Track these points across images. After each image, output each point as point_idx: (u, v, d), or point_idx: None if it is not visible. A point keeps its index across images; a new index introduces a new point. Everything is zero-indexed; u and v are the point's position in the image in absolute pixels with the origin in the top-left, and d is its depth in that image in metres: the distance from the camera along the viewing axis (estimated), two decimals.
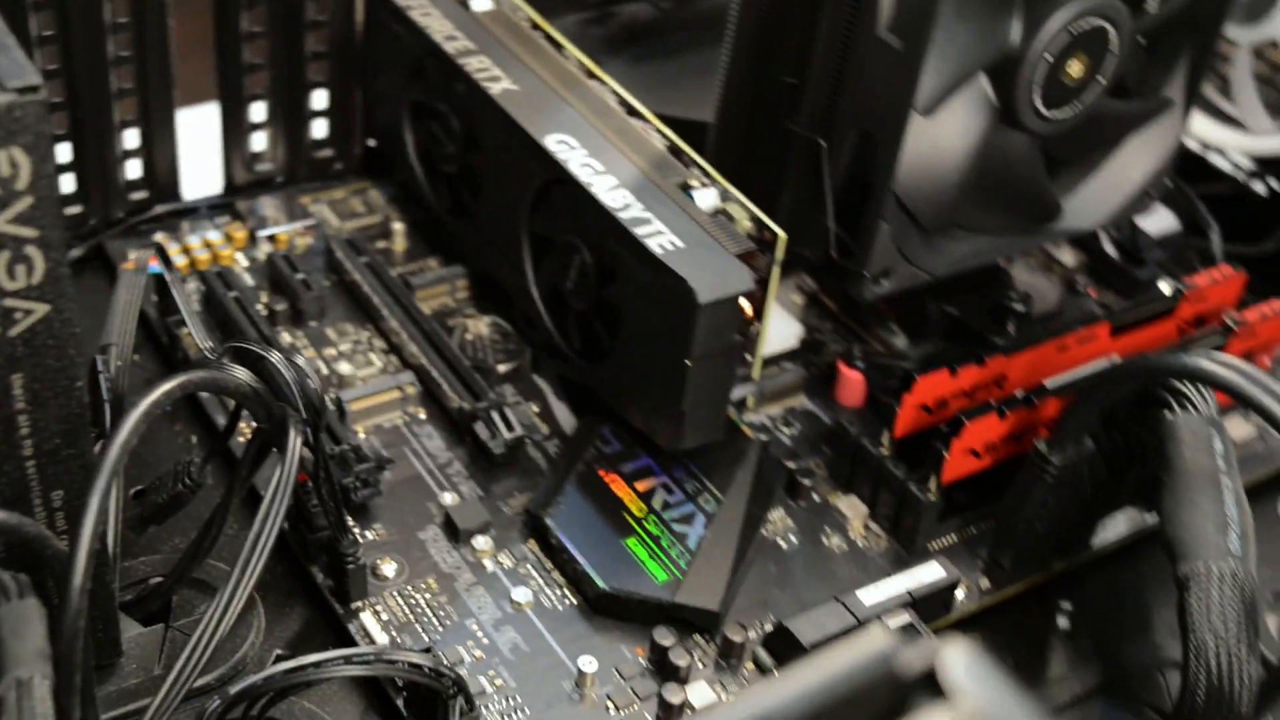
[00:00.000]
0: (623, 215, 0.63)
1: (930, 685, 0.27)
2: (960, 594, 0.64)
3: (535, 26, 0.75)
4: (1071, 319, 0.76)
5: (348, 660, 0.54)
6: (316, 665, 0.53)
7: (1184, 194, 0.85)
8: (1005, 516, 0.64)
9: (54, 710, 0.46)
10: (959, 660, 0.27)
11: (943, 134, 0.66)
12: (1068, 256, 0.83)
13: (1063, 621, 0.65)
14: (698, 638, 0.61)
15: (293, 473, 0.53)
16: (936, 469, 0.64)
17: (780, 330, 0.74)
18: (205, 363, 0.54)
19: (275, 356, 0.55)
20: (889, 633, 0.27)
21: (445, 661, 0.55)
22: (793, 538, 0.66)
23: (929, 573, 0.62)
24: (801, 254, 0.69)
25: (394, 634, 0.59)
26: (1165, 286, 0.79)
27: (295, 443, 0.54)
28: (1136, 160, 0.75)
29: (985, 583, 0.65)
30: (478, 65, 0.71)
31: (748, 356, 0.66)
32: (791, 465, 0.68)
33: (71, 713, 0.47)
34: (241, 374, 0.54)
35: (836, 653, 0.27)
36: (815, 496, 0.68)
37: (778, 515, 0.67)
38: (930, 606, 0.62)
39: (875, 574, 0.64)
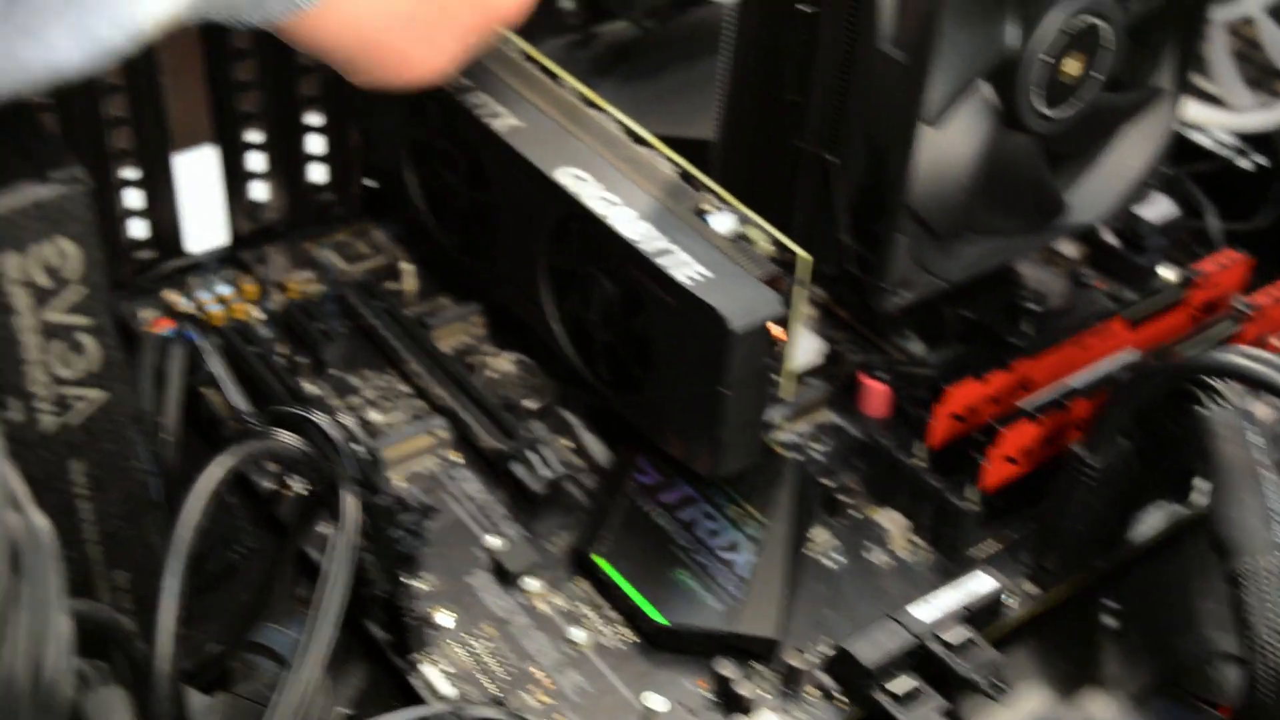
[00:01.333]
0: (645, 247, 0.63)
1: None
2: (1010, 601, 0.64)
3: (528, 58, 0.75)
4: (1083, 313, 0.77)
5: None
6: None
7: (1177, 177, 0.86)
8: (1047, 521, 0.65)
9: None
10: None
11: (950, 141, 0.66)
12: (1070, 249, 0.84)
13: (1111, 620, 0.66)
14: (756, 665, 0.61)
15: (353, 535, 0.53)
16: (975, 479, 0.64)
17: (804, 346, 0.74)
18: (255, 431, 0.54)
19: (321, 418, 0.55)
20: None
21: (516, 712, 0.55)
22: (837, 555, 0.67)
23: (978, 583, 0.62)
24: (819, 269, 0.70)
25: (459, 685, 0.59)
26: (1168, 272, 0.80)
27: (350, 505, 0.54)
28: (1133, 150, 0.76)
29: (1032, 588, 0.66)
30: (478, 102, 0.71)
31: (777, 377, 0.66)
32: (827, 482, 0.69)
33: None
34: (290, 439, 0.54)
35: None
36: (854, 513, 0.69)
37: (819, 534, 0.67)
38: (981, 616, 0.62)
39: (923, 586, 0.64)
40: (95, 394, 0.48)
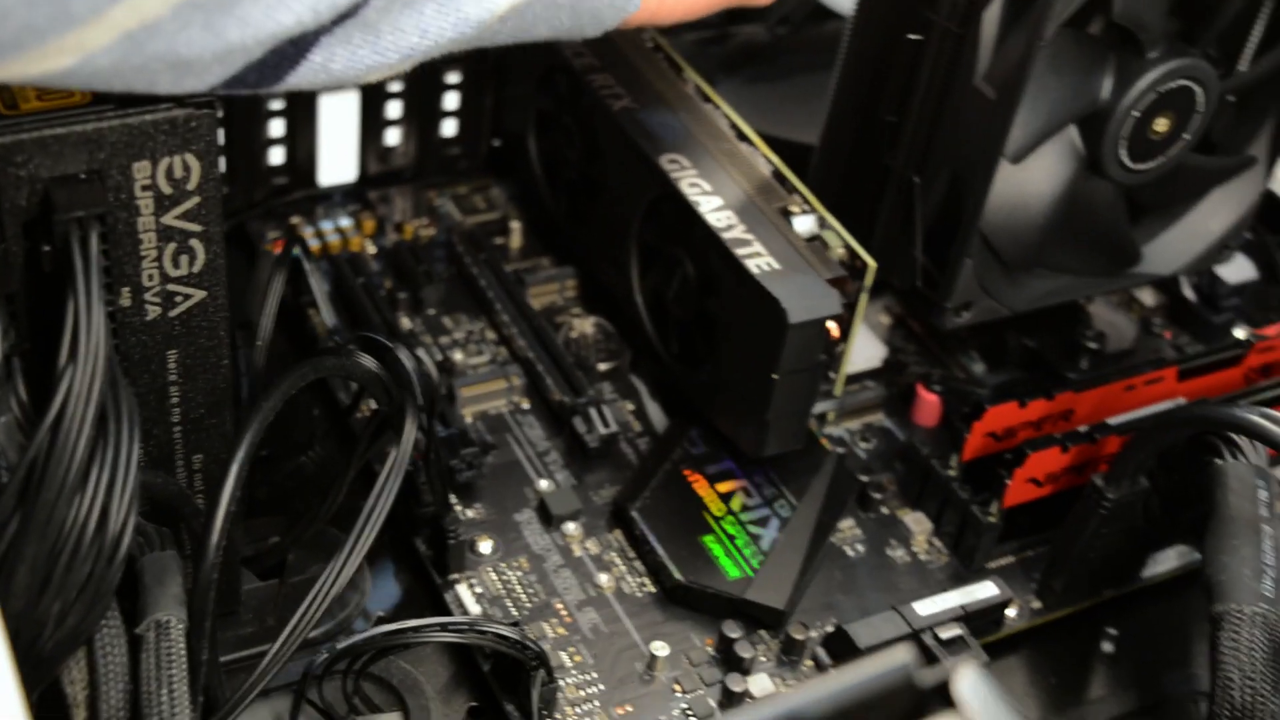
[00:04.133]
0: (725, 235, 0.68)
1: (943, 696, 0.32)
2: (1012, 612, 0.68)
3: (656, 48, 0.80)
4: (1144, 359, 0.80)
5: (443, 627, 0.59)
6: (415, 629, 0.59)
7: (1264, 244, 0.88)
8: (1060, 543, 0.69)
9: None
10: (968, 677, 0.32)
11: (1030, 179, 0.70)
12: (1148, 297, 0.87)
13: (1107, 646, 0.70)
14: (763, 633, 0.66)
15: (407, 455, 0.59)
16: (999, 494, 0.68)
17: (865, 350, 0.79)
18: (337, 349, 0.60)
19: (400, 348, 0.61)
20: (910, 650, 0.32)
21: (530, 636, 0.60)
22: (859, 547, 0.71)
23: (983, 590, 0.66)
24: (890, 281, 0.74)
25: (486, 606, 0.65)
26: (1240, 333, 0.82)
27: (411, 428, 0.59)
28: (1217, 212, 0.78)
29: (1036, 603, 0.70)
30: (602, 82, 0.76)
31: (831, 374, 0.71)
32: (864, 479, 0.73)
33: (199, 654, 0.53)
34: (369, 361, 0.60)
35: (864, 663, 0.32)
36: (884, 510, 0.73)
37: (847, 525, 0.72)
38: (983, 622, 0.66)
39: (934, 587, 0.69)
40: (196, 293, 0.54)
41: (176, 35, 0.46)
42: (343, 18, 0.49)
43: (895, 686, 0.32)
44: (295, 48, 0.48)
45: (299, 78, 0.49)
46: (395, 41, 0.50)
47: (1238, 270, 0.86)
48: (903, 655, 0.32)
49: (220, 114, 0.52)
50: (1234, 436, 0.64)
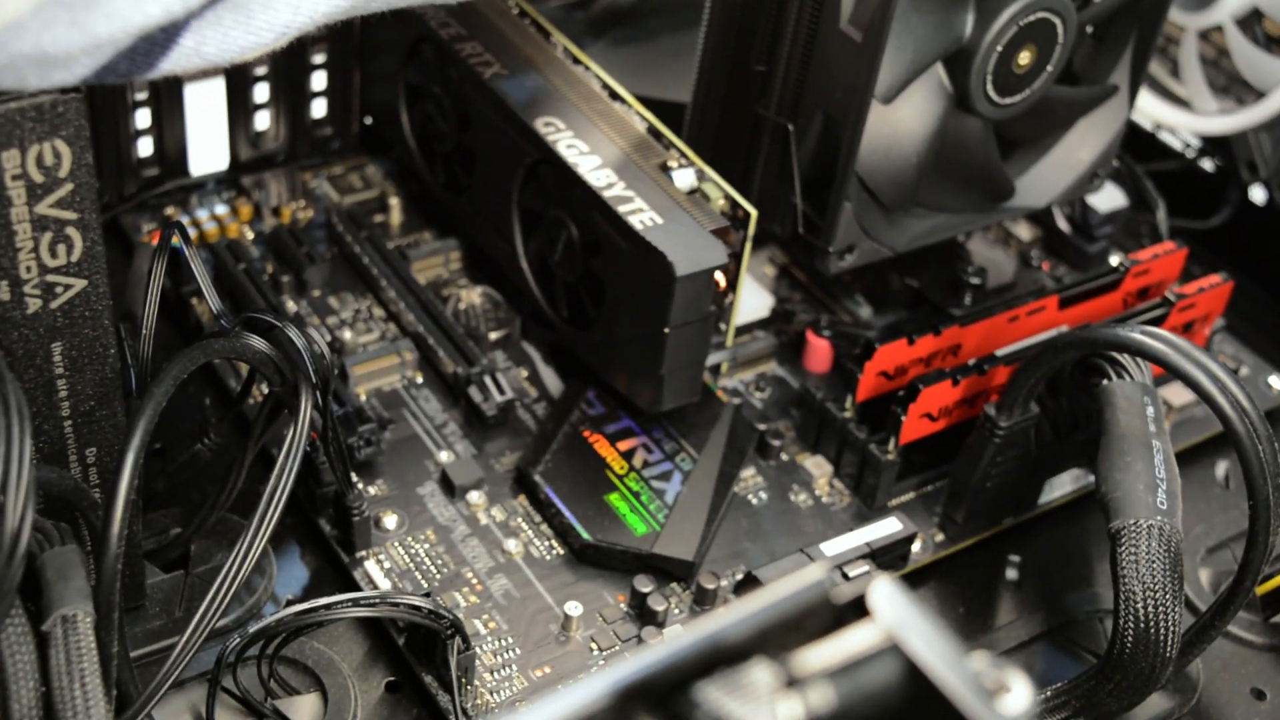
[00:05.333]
0: (607, 194, 0.68)
1: (859, 610, 0.32)
2: (916, 546, 0.69)
3: (523, 14, 0.80)
4: (1024, 291, 0.81)
5: (355, 603, 0.59)
6: (327, 607, 0.59)
7: (1132, 172, 0.90)
8: (958, 475, 0.70)
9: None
10: (883, 590, 0.32)
11: (901, 119, 0.71)
12: (1023, 231, 0.89)
13: (1011, 573, 0.71)
14: (675, 585, 0.66)
15: (305, 432, 0.58)
16: (895, 431, 0.69)
17: (753, 300, 0.79)
18: (224, 332, 0.59)
19: (289, 326, 0.60)
20: (826, 567, 0.32)
21: (444, 605, 0.60)
22: (763, 494, 0.72)
23: (887, 527, 0.67)
24: (772, 230, 0.75)
25: (395, 580, 0.65)
26: (1115, 259, 0.84)
27: (307, 405, 0.59)
28: (1085, 142, 0.80)
29: (940, 536, 0.71)
30: (470, 51, 0.76)
31: (722, 325, 0.71)
32: (762, 427, 0.74)
33: (110, 647, 0.53)
34: (258, 342, 0.59)
35: (781, 583, 0.32)
36: (784, 456, 0.74)
37: (749, 473, 0.72)
38: (889, 558, 0.67)
39: (839, 528, 0.70)
40: (76, 282, 0.53)
41: (41, 33, 0.45)
42: (213, 1, 0.48)
43: (813, 604, 0.32)
44: (165, 34, 0.47)
45: (172, 63, 0.48)
46: (268, 20, 0.49)
47: (1108, 199, 0.87)
48: (818, 573, 0.32)
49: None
50: (1119, 357, 0.66)
